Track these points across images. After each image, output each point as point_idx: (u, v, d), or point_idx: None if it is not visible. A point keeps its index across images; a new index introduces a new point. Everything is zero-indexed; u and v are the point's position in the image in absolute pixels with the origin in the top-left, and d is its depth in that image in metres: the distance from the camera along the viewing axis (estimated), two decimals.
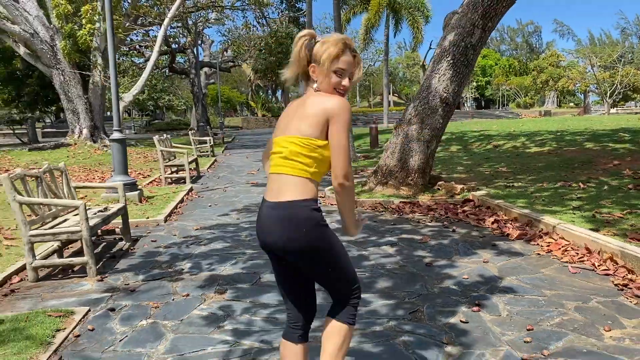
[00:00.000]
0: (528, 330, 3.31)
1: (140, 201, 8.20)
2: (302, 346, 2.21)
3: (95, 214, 5.36)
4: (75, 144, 18.59)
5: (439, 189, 8.28)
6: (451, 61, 8.31)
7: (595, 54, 47.18)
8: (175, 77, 44.87)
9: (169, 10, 19.54)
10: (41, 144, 18.36)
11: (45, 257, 4.98)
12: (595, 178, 8.40)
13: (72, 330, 3.35)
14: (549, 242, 5.35)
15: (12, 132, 26.99)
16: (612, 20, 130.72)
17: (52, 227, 4.72)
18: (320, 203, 2.12)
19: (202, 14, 30.62)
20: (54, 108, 30.17)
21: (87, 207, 5.70)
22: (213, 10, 29.01)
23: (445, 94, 8.29)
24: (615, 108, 51.33)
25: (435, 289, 4.12)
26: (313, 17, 26.36)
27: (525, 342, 3.14)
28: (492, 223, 6.32)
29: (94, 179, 11.02)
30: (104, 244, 5.93)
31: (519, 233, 5.74)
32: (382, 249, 5.36)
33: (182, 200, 8.52)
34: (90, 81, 20.10)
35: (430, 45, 37.88)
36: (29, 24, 18.82)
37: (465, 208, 7.14)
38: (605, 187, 7.58)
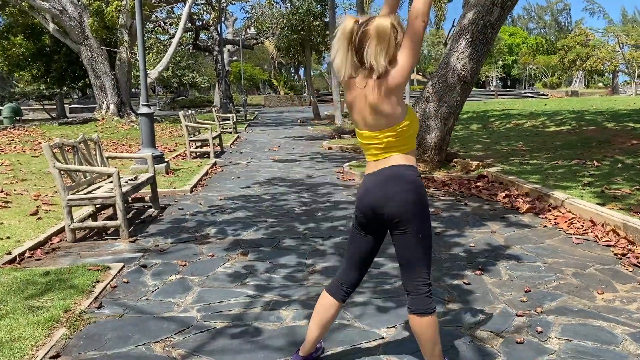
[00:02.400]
0: (525, 291, 3.57)
1: (167, 173, 8.59)
2: (340, 304, 2.47)
3: (126, 182, 5.74)
4: (103, 119, 19.16)
5: (454, 166, 8.49)
6: (470, 39, 8.43)
7: (625, 33, 45.96)
8: (199, 54, 45.22)
9: None
10: (70, 119, 18.95)
11: (82, 221, 5.38)
12: (611, 156, 8.51)
13: (109, 282, 3.73)
14: (556, 216, 5.56)
15: (41, 107, 27.71)
16: None
17: (88, 193, 5.11)
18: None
19: None
20: (80, 84, 30.79)
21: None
22: None
23: (463, 72, 8.43)
24: (636, 86, 50.12)
25: (442, 255, 4.39)
26: None
27: (521, 301, 3.41)
28: (504, 197, 6.53)
29: (122, 151, 11.46)
30: (135, 210, 6.32)
31: (528, 207, 5.95)
32: None
33: (206, 173, 8.89)
34: (117, 58, 20.59)
35: (454, 22, 37.31)
36: (58, 0, 19.29)
37: (479, 183, 7.35)
38: (619, 165, 7.70)
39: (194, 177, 8.19)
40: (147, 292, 3.62)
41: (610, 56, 50.62)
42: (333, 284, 2.51)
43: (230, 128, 18.17)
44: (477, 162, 8.27)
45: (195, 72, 49.77)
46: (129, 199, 6.26)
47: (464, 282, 3.76)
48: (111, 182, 5.83)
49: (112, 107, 20.09)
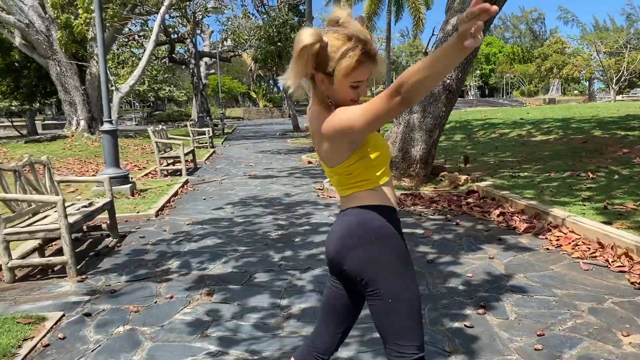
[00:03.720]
0: (539, 335, 3.02)
1: (133, 194, 7.92)
2: None
3: (78, 209, 5.08)
4: (73, 135, 18.33)
5: (442, 180, 7.98)
6: None
7: (601, 40, 46.47)
8: (176, 68, 44.47)
9: None
10: (38, 136, 18.10)
11: (24, 256, 4.70)
12: (605, 167, 8.08)
13: (41, 339, 3.08)
14: (558, 236, 5.05)
15: (10, 124, 26.72)
16: (617, 5, 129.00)
17: (29, 225, 4.45)
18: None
19: (200, 2, 30.19)
20: (54, 100, 29.84)
21: (70, 203, 5.44)
22: None
23: (448, 81, 7.95)
24: (620, 95, 50.70)
25: (438, 289, 3.83)
26: (313, 4, 25.84)
27: (535, 349, 2.86)
28: (498, 216, 6.02)
29: (87, 171, 10.75)
30: (90, 240, 5.66)
31: (526, 226, 5.44)
32: None
33: (176, 194, 8.24)
34: (87, 72, 19.80)
35: (433, 31, 37.29)
36: (24, 14, 18.49)
37: (470, 200, 6.83)
38: (616, 177, 7.26)
39: (161, 199, 7.53)
40: (85, 352, 2.97)
41: (586, 63, 51.14)
42: (304, 350, 1.94)
43: (206, 143, 17.52)
44: (465, 176, 7.77)
45: (172, 86, 49.01)
46: (84, 227, 5.60)
47: (465, 325, 3.19)
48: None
49: (82, 123, 19.27)
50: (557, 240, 4.97)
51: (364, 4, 29.78)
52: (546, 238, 5.11)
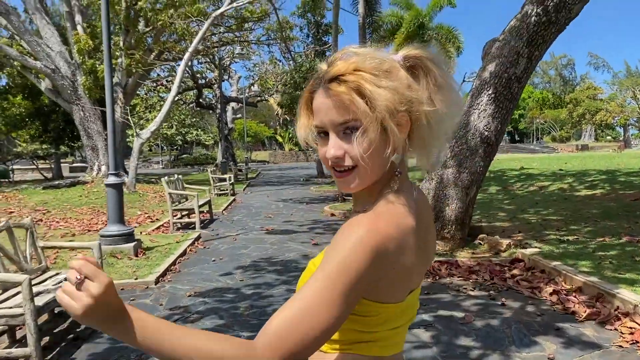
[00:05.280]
0: None
1: (136, 254, 7.21)
2: None
3: (57, 284, 4.36)
4: (92, 181, 17.99)
5: (480, 244, 7.07)
6: (492, 95, 7.20)
7: (638, 86, 45.20)
8: (205, 112, 44.80)
9: None
10: (57, 182, 17.79)
11: None
12: None
13: None
14: (632, 328, 4.09)
15: (35, 167, 26.80)
16: None
17: None
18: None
19: (228, 48, 30.37)
20: (80, 144, 30.06)
21: (53, 273, 4.74)
22: (239, 45, 28.70)
23: (486, 133, 7.16)
24: None
25: None
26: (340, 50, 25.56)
27: None
28: (551, 294, 5.07)
29: (96, 223, 10.17)
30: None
31: (588, 312, 4.49)
32: (414, 334, 4.18)
33: (184, 253, 7.51)
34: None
35: (465, 77, 36.64)
36: (51, 59, 18.59)
37: (515, 271, 5.90)
38: None
39: (166, 261, 6.79)
40: None
41: (620, 110, 49.76)
42: None
43: (226, 190, 16.93)
44: (507, 241, 6.85)
45: (199, 130, 49.39)
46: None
47: None
48: (41, 283, 4.47)
49: (103, 168, 18.99)
50: (632, 333, 4.01)
51: (391, 49, 29.42)
52: (615, 329, 4.16)
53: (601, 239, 6.95)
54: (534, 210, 9.80)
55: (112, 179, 7.50)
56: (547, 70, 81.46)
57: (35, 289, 4.19)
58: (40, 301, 3.84)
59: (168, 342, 0.83)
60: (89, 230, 9.56)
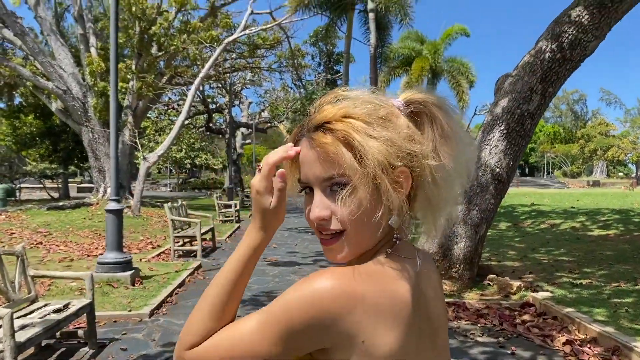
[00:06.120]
0: None
1: (133, 284, 7.00)
2: None
3: (43, 317, 4.15)
4: (98, 203, 17.88)
5: (489, 285, 6.80)
6: (505, 131, 7.02)
7: None
8: (214, 136, 45.00)
9: None
10: (62, 203, 17.71)
11: None
12: None
13: None
14: None
15: (43, 187, 26.86)
16: None
17: None
18: None
19: (240, 74, 30.60)
20: (88, 165, 30.21)
21: (41, 304, 4.54)
22: (250, 72, 28.91)
23: (497, 169, 6.95)
24: None
25: None
26: (351, 79, 25.74)
27: None
28: (564, 344, 4.78)
29: (96, 248, 9.98)
30: (63, 349, 4.68)
31: None
32: None
33: (182, 283, 7.28)
34: (120, 140, 19.68)
35: (475, 111, 36.56)
36: (63, 80, 18.72)
37: (526, 317, 5.62)
38: None
39: (163, 292, 6.57)
40: None
41: (633, 146, 49.40)
42: None
43: (232, 216, 16.74)
44: (518, 283, 6.57)
45: (209, 154, 49.51)
46: (58, 333, 4.64)
47: None
48: (28, 314, 4.28)
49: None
50: None
51: (402, 79, 29.55)
52: None
53: (616, 284, 6.65)
54: (545, 249, 9.51)
55: (112, 205, 7.34)
56: (559, 105, 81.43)
57: (20, 322, 4.00)
58: (23, 336, 3.64)
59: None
60: (88, 256, 9.37)
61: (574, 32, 6.79)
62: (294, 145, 0.88)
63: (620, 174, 66.28)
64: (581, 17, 6.76)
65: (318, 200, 0.82)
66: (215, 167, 52.88)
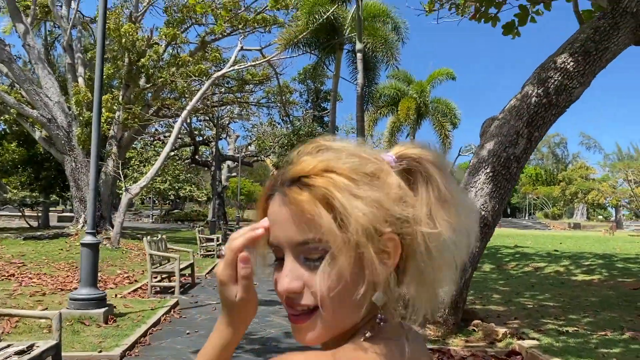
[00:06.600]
0: None
1: (106, 321, 6.71)
2: None
3: (6, 359, 3.90)
4: (77, 234, 17.49)
5: (474, 330, 6.64)
6: (491, 174, 6.99)
7: (630, 169, 45.76)
8: (200, 168, 44.81)
9: None
10: (39, 233, 17.29)
11: None
12: None
13: None
14: None
15: (21, 215, 26.30)
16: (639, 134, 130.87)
17: None
18: None
19: (228, 108, 30.71)
20: (70, 194, 29.78)
21: (3, 345, 4.28)
22: (239, 106, 29.03)
23: (483, 212, 6.88)
24: None
25: None
26: (338, 117, 25.90)
27: None
28: None
29: (70, 282, 9.66)
30: None
31: None
32: None
33: (157, 322, 7.01)
34: (103, 170, 19.44)
35: (460, 151, 36.99)
36: (49, 109, 18.56)
37: None
38: None
39: (137, 331, 6.29)
40: None
41: (613, 190, 50.17)
42: None
43: (213, 251, 16.43)
44: (503, 330, 6.42)
45: (193, 186, 49.19)
46: None
47: None
48: None
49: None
50: None
51: (389, 119, 29.85)
52: None
53: (603, 333, 6.53)
54: (529, 293, 9.40)
55: (88, 239, 7.12)
56: (540, 147, 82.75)
57: None
58: None
59: None
60: (62, 290, 9.05)
61: (559, 78, 6.86)
62: (267, 200, 0.75)
63: (600, 217, 67.02)
64: (567, 63, 6.85)
65: (289, 268, 0.69)
66: (200, 199, 52.51)
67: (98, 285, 7.41)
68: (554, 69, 6.93)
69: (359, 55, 13.84)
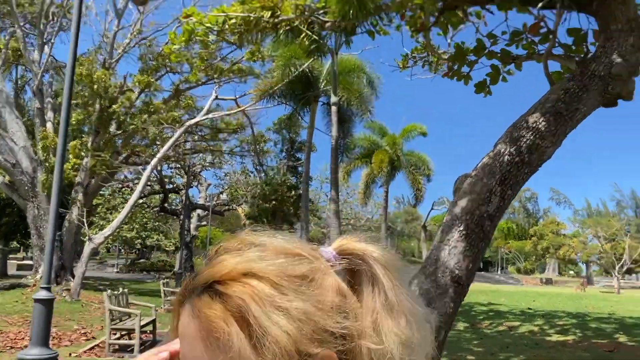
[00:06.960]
0: None
1: None
2: None
3: None
4: (35, 284, 16.63)
5: None
6: (464, 232, 6.81)
7: (600, 225, 46.66)
8: (169, 217, 43.98)
9: None
10: None
11: None
12: None
13: None
14: None
15: None
16: (607, 191, 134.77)
17: None
18: None
19: (201, 156, 30.48)
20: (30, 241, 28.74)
21: None
22: (211, 154, 28.83)
23: (457, 271, 6.63)
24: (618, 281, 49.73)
25: None
26: (312, 167, 25.89)
27: None
28: None
29: (22, 339, 9.04)
30: None
31: None
32: None
33: None
34: (67, 218, 18.80)
35: (433, 205, 37.26)
36: (13, 154, 18.05)
37: None
38: None
39: None
40: None
41: (583, 247, 50.94)
42: None
43: None
44: None
45: (161, 234, 48.11)
46: None
47: None
48: None
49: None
50: None
51: (363, 171, 30.02)
52: None
53: None
54: (504, 355, 9.14)
55: (42, 294, 6.67)
56: (512, 202, 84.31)
57: None
58: None
59: None
60: (12, 348, 8.47)
61: (531, 137, 6.85)
62: (180, 308, 0.58)
63: (572, 272, 67.73)
64: (538, 123, 6.86)
65: None
66: (167, 248, 51.30)
67: (51, 343, 6.92)
68: (526, 128, 6.93)
69: (333, 108, 13.94)
